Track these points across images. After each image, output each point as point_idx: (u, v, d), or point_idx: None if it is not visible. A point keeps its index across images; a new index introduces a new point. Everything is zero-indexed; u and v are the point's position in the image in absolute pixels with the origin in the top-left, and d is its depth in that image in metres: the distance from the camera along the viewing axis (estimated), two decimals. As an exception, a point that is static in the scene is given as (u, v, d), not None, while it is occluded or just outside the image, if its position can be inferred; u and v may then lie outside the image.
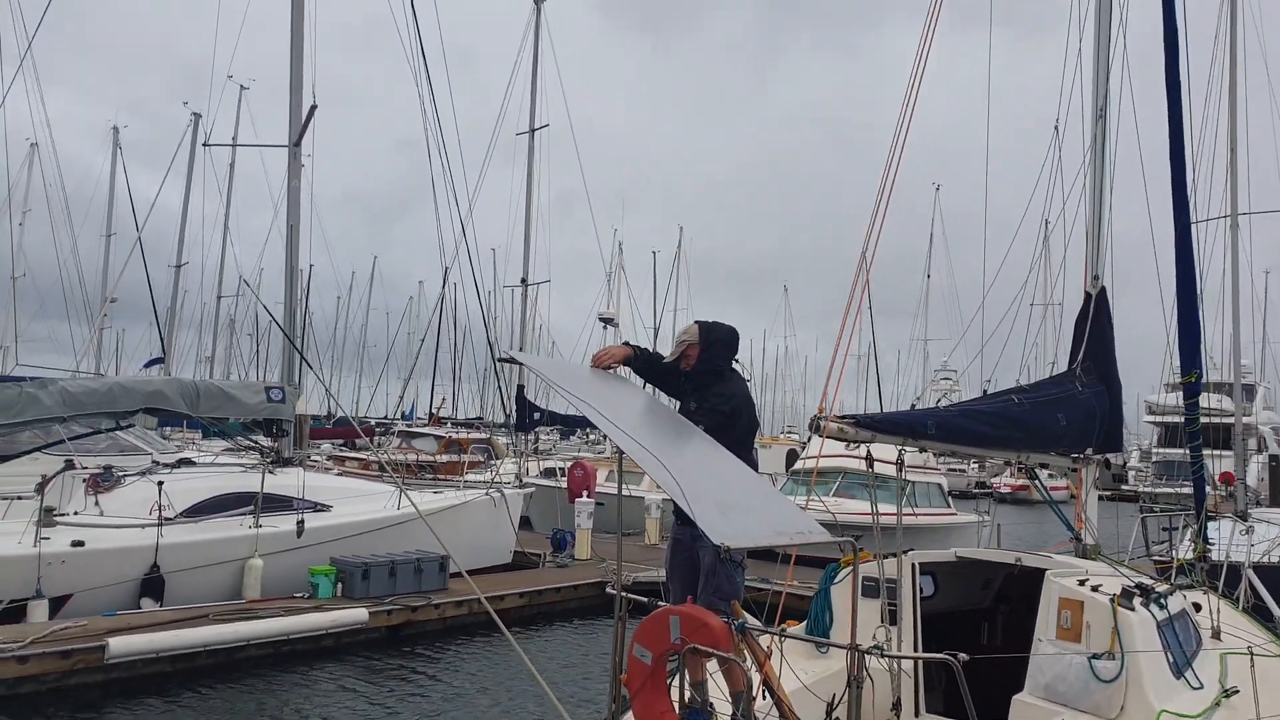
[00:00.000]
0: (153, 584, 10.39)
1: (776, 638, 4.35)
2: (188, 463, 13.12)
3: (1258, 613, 7.49)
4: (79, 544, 9.96)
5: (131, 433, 16.75)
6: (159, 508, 10.59)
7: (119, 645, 8.75)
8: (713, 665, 4.21)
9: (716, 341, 4.86)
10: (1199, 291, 8.06)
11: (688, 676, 4.03)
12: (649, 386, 5.23)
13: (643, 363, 4.82)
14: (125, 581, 10.25)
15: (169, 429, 25.38)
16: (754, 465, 4.68)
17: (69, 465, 11.45)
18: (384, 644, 11.08)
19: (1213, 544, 8.33)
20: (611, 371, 4.70)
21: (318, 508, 12.51)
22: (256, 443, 13.93)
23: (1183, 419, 7.76)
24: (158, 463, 12.59)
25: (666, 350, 5.02)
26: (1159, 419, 36.62)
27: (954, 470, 43.92)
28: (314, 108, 15.40)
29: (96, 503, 10.92)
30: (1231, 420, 20.40)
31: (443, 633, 11.77)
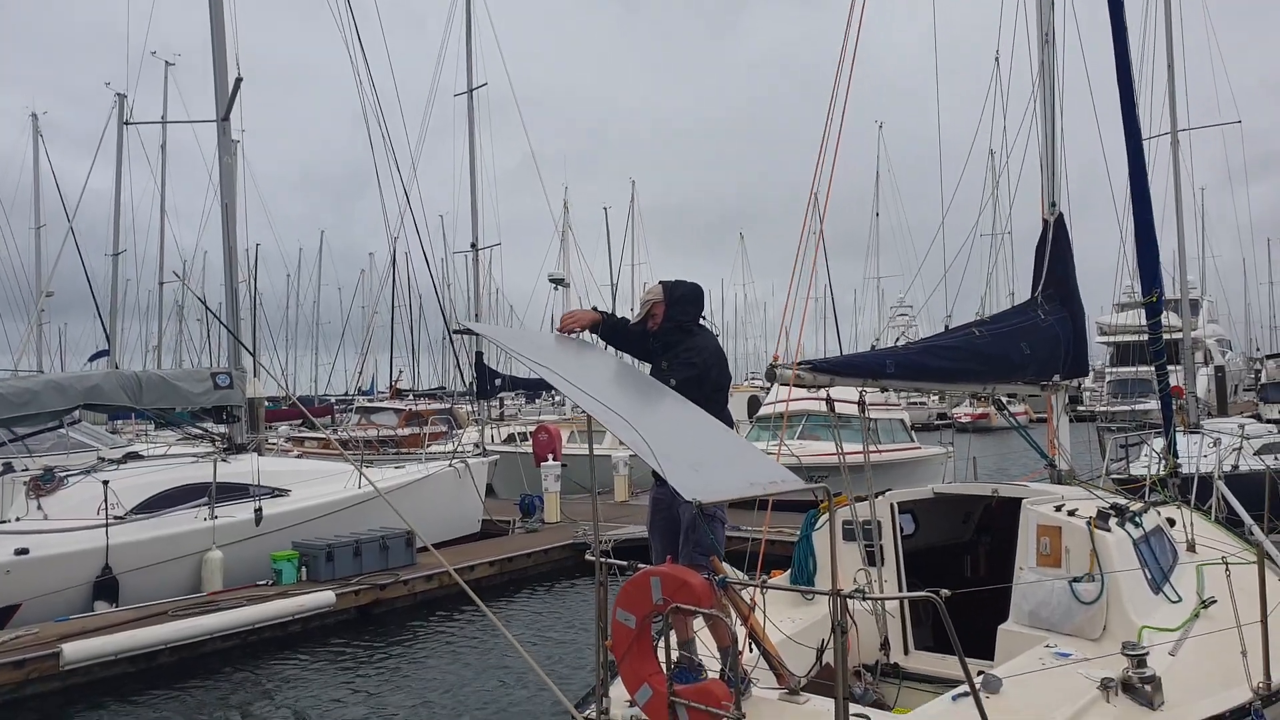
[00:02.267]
0: (106, 586, 10.04)
1: (759, 590, 4.31)
2: (135, 457, 12.68)
3: (1230, 524, 7.55)
4: (23, 551, 9.56)
5: (79, 429, 16.27)
6: (106, 506, 10.21)
7: (74, 650, 8.43)
8: (699, 622, 4.17)
9: (681, 298, 4.78)
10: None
11: (675, 636, 3.97)
12: (618, 352, 5.11)
13: (609, 328, 4.74)
14: (76, 585, 9.89)
15: (119, 422, 24.71)
16: (728, 421, 4.58)
17: (7, 469, 11.02)
18: (354, 625, 10.88)
19: (1179, 459, 8.40)
20: (575, 336, 4.59)
21: (276, 493, 12.20)
22: (206, 431, 13.56)
23: (1146, 338, 7.74)
24: (104, 459, 12.16)
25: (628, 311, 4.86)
26: (1111, 339, 37.25)
27: (914, 404, 44.45)
28: (239, 80, 14.84)
29: (39, 506, 10.49)
30: (1180, 336, 20.76)
31: (414, 608, 11.60)
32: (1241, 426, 15.41)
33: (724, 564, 4.40)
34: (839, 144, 6.33)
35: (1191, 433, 13.94)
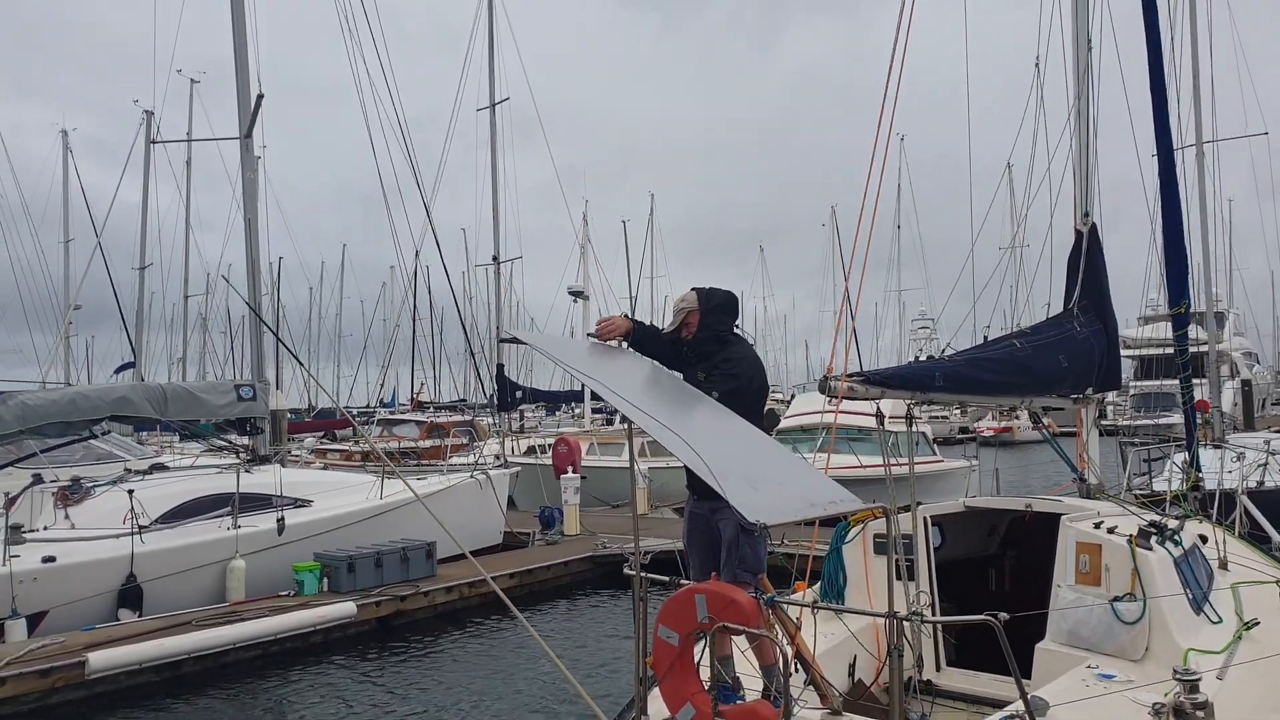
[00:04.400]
0: (130, 594, 10.14)
1: (808, 609, 4.24)
2: (161, 468, 12.82)
3: (1252, 539, 7.45)
4: (50, 559, 9.68)
5: (107, 440, 16.46)
6: (131, 516, 10.32)
7: (99, 659, 8.51)
8: (738, 639, 4.07)
9: (717, 306, 4.70)
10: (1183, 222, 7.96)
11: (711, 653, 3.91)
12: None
13: (641, 336, 4.62)
14: (101, 594, 9.99)
15: (144, 434, 24.97)
16: (766, 431, 4.50)
17: (36, 480, 11.16)
18: (375, 636, 10.92)
19: (1202, 474, 8.30)
20: (613, 344, 4.50)
21: (298, 504, 12.28)
22: (230, 442, 13.69)
23: (1174, 350, 7.66)
24: (129, 470, 12.30)
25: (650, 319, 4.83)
26: (1135, 352, 36.88)
27: (936, 417, 44.20)
28: (260, 97, 15.02)
29: (66, 516, 10.61)
30: (1205, 348, 20.54)
31: (434, 620, 11.63)
32: (1267, 442, 15.21)
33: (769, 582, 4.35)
34: (884, 162, 6.35)
35: (1216, 447, 13.77)
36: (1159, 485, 10.75)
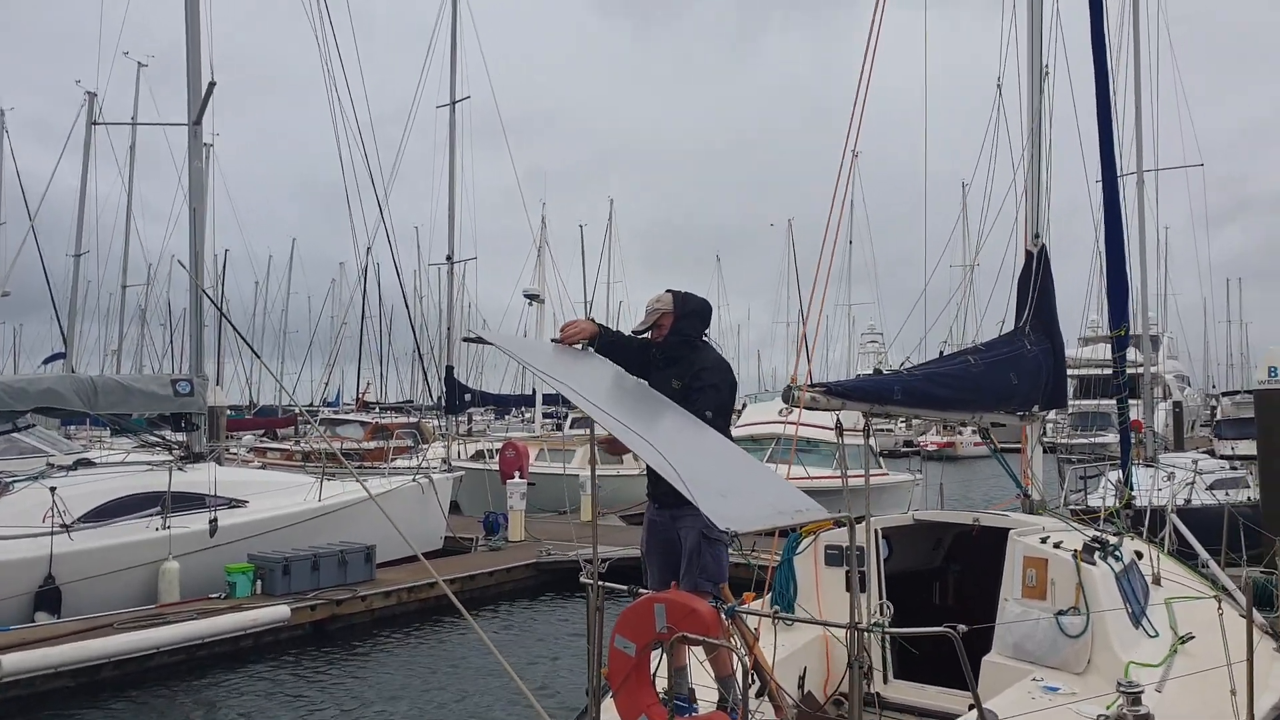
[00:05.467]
0: (47, 596, 9.74)
1: (769, 620, 4.22)
2: (87, 464, 12.35)
3: (1180, 555, 7.62)
4: (-38, 558, 9.26)
5: (32, 433, 15.88)
6: (52, 514, 9.90)
7: (12, 662, 8.13)
8: (694, 649, 4.01)
9: (692, 313, 4.64)
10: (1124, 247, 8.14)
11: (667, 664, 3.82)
12: None
13: (607, 341, 4.55)
14: (16, 596, 9.58)
15: (73, 428, 24.18)
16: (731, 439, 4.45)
17: (-50, 474, 10.70)
18: (309, 641, 10.62)
19: (1134, 492, 8.48)
20: (578, 348, 4.41)
21: (233, 504, 11.92)
22: (163, 439, 13.27)
23: (1111, 372, 7.80)
24: (53, 465, 11.84)
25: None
26: (1075, 372, 37.67)
27: (880, 430, 44.72)
28: (212, 84, 14.66)
29: (-17, 512, 10.17)
30: (1141, 370, 21.06)
31: (371, 625, 11.36)
32: (1195, 462, 15.62)
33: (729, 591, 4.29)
34: (849, 181, 6.33)
35: (1148, 466, 14.12)
36: (1094, 502, 10.95)
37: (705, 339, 4.75)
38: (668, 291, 4.69)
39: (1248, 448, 20.11)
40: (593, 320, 4.63)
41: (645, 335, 4.67)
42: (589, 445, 22.29)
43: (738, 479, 3.61)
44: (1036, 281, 7.31)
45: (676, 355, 4.58)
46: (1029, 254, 7.53)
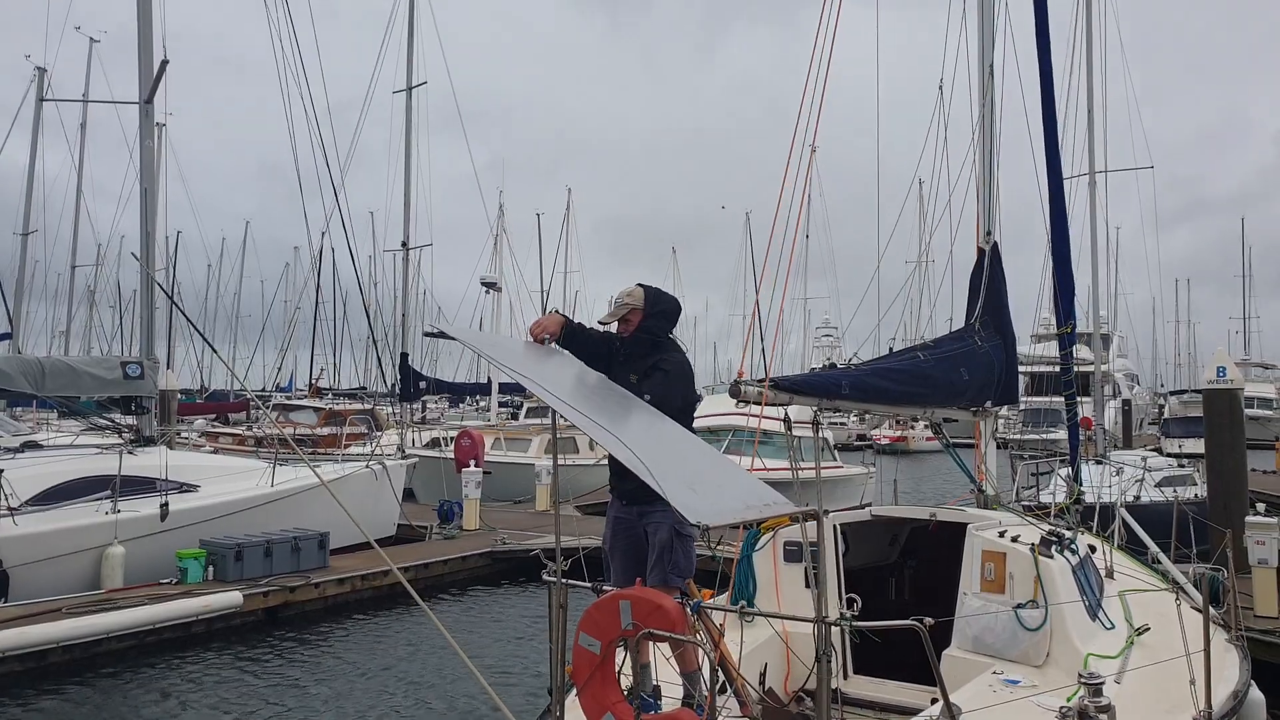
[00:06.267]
0: (-6, 579, 9.58)
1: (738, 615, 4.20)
2: (34, 446, 12.12)
3: (1129, 550, 7.82)
4: (-96, 540, 9.07)
5: (-25, 416, 15.52)
6: (-2, 497, 9.74)
7: (-42, 647, 8.01)
8: (659, 646, 4.01)
9: (661, 312, 4.58)
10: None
11: (631, 661, 3.80)
12: None
13: (570, 333, 4.49)
14: (-38, 579, 9.42)
15: (19, 409, 23.61)
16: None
17: (-108, 455, 10.45)
18: (261, 627, 10.55)
19: (1083, 488, 8.67)
20: (545, 343, 4.37)
21: (184, 488, 11.78)
22: (113, 422, 13.06)
23: (1059, 368, 7.99)
24: (-1, 448, 11.61)
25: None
26: (1027, 369, 38.38)
27: (834, 424, 45.17)
28: (165, 63, 14.40)
29: (-74, 495, 9.95)
30: (1091, 369, 21.54)
31: (325, 612, 11.31)
32: (1144, 459, 16.04)
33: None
34: (807, 176, 6.41)
35: (1098, 463, 14.45)
36: (1044, 498, 11.22)
37: (671, 338, 4.72)
38: (639, 286, 4.62)
39: (1194, 446, 20.62)
40: (558, 312, 4.61)
41: (608, 328, 4.63)
42: (545, 436, 22.36)
43: (703, 472, 3.59)
44: (986, 278, 7.44)
45: (639, 351, 4.52)
46: (980, 251, 7.67)
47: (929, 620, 3.14)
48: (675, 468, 3.45)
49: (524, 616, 11.65)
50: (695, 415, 4.62)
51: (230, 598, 10.26)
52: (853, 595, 3.78)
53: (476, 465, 16.80)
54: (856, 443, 42.06)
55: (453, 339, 4.77)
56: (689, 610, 3.52)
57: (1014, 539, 5.17)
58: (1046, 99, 7.97)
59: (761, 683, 4.40)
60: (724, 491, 3.45)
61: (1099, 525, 8.06)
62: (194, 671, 9.01)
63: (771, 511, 3.43)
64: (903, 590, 6.41)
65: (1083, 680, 3.87)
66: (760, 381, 5.01)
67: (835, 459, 21.43)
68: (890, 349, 9.60)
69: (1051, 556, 5.07)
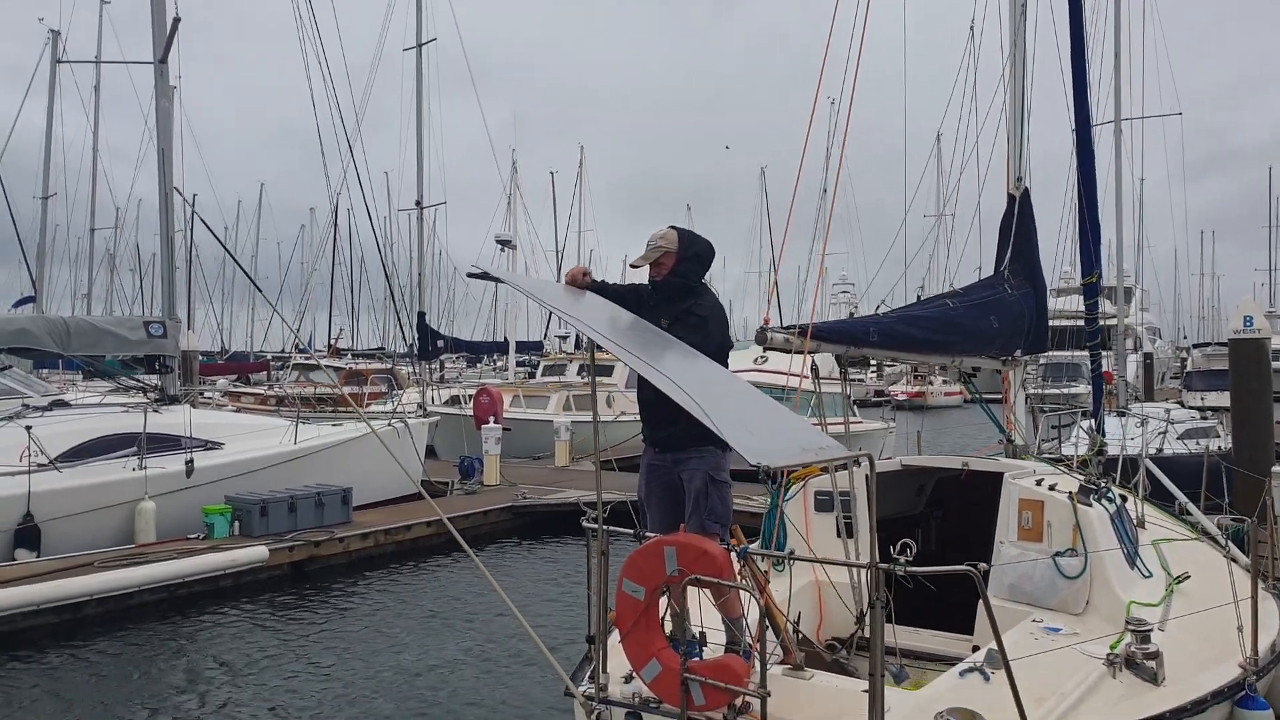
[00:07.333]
0: (27, 534, 9.74)
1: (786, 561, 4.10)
2: (62, 405, 12.27)
3: (1153, 501, 7.78)
4: (-61, 496, 9.24)
5: (7, 375, 15.69)
6: (29, 453, 9.88)
7: (-4, 599, 8.19)
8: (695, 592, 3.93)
9: (695, 255, 4.46)
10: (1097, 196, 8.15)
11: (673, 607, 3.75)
12: None
13: (599, 288, 4.45)
14: (-5, 533, 9.60)
15: (45, 371, 23.88)
16: None
17: (-76, 413, 10.61)
18: (287, 581, 10.73)
19: (1106, 439, 8.61)
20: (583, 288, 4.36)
21: (208, 446, 11.92)
22: (138, 381, 13.20)
23: (1084, 320, 7.87)
24: (28, 406, 11.75)
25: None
26: (1050, 323, 38.01)
27: (851, 379, 45.10)
28: (177, 20, 14.30)
29: (-43, 453, 10.11)
30: (1114, 321, 21.30)
31: (349, 566, 11.48)
32: (1168, 411, 15.92)
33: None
34: (845, 139, 6.29)
35: (1119, 415, 14.35)
36: (1066, 450, 11.17)
37: (704, 284, 4.64)
38: (671, 228, 4.51)
39: (1217, 399, 20.40)
40: (586, 273, 4.51)
41: (640, 271, 4.54)
42: (563, 394, 22.33)
43: (756, 415, 3.54)
44: (1016, 225, 7.30)
45: (671, 296, 4.41)
46: (1010, 197, 7.50)
47: (984, 565, 3.08)
48: (728, 408, 3.39)
49: (546, 570, 11.79)
50: None
51: (256, 552, 10.43)
52: (907, 540, 3.74)
53: (496, 422, 16.91)
54: (874, 399, 41.99)
55: (497, 280, 4.76)
56: (735, 555, 3.49)
57: (1051, 487, 5.13)
58: (1075, 38, 7.76)
59: (795, 631, 4.40)
60: (779, 434, 3.40)
61: (1122, 477, 8.00)
62: (223, 623, 9.19)
63: (827, 455, 3.39)
64: (929, 540, 6.36)
65: (1130, 627, 3.83)
66: (788, 329, 4.94)
67: (855, 414, 21.43)
68: (918, 297, 9.46)
69: (1090, 505, 5.02)
